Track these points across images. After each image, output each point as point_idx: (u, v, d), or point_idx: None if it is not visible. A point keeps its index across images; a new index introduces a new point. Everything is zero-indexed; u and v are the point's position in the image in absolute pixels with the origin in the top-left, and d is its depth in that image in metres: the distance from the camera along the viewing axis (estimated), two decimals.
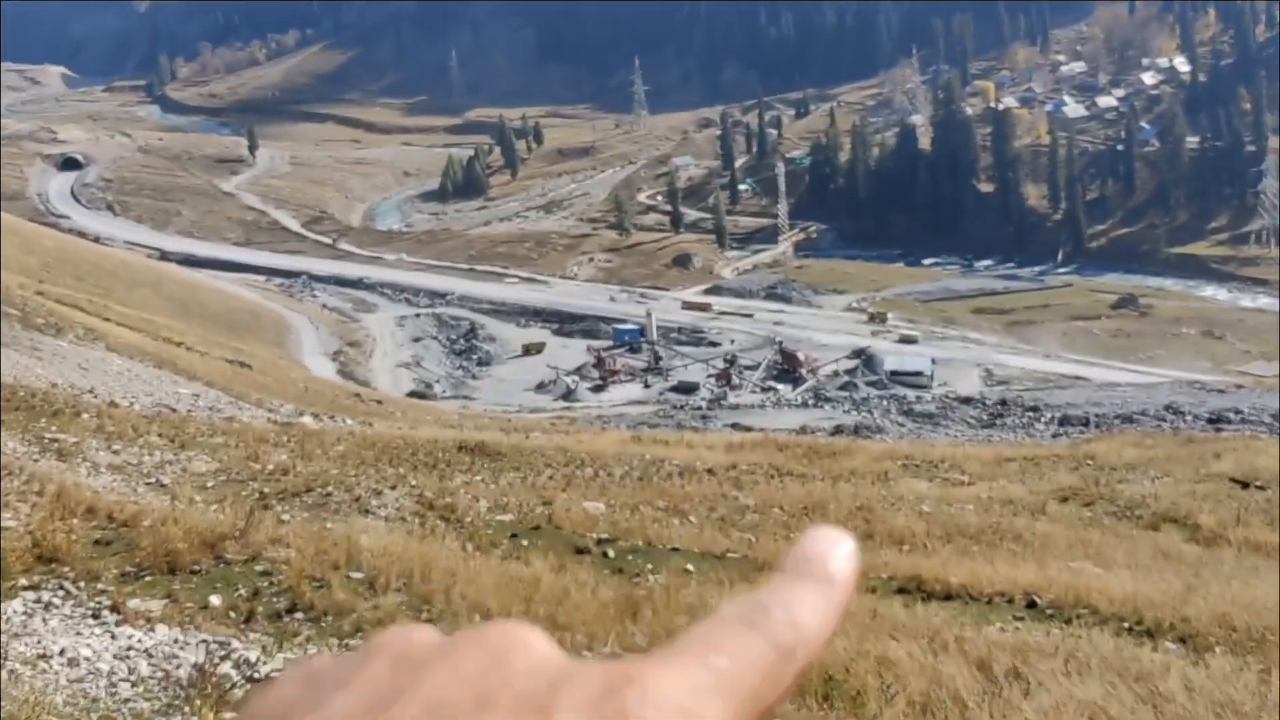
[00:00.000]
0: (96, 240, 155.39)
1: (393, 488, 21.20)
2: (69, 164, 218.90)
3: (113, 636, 10.14)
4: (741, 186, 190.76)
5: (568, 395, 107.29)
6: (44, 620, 10.33)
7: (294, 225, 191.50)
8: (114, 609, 10.79)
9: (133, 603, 11.09)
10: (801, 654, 0.58)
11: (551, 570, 13.84)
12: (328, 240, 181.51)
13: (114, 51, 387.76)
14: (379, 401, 71.72)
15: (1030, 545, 20.19)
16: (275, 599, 11.79)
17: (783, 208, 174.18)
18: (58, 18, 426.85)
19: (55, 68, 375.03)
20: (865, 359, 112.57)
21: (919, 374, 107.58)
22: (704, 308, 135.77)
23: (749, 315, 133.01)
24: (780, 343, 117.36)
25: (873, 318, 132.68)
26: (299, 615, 11.40)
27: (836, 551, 0.63)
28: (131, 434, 24.96)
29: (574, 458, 31.71)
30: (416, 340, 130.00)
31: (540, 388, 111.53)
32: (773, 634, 0.58)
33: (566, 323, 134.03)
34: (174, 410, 34.41)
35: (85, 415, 26.85)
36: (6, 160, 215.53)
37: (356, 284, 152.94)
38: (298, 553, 12.99)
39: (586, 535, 17.80)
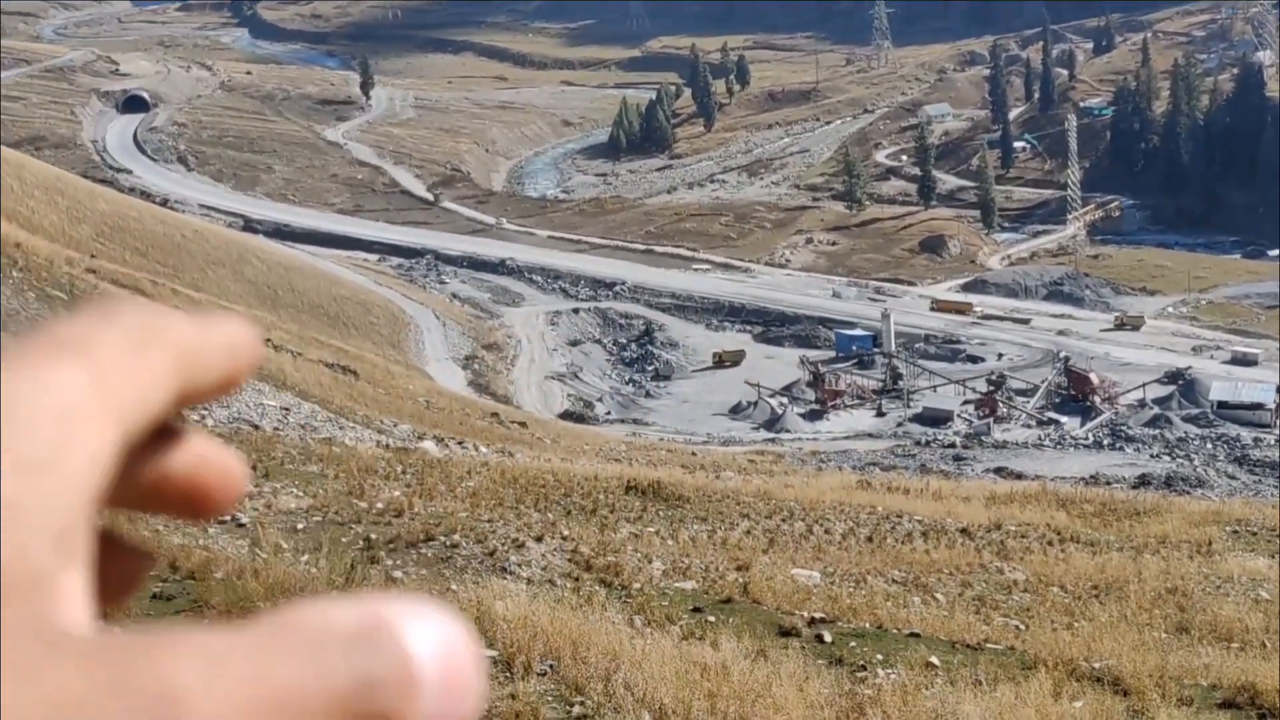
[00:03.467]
0: (164, 203, 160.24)
1: (539, 539, 21.43)
2: (133, 104, 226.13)
3: None
4: (1018, 145, 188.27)
5: (773, 423, 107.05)
6: None
7: (418, 188, 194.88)
8: None
9: None
10: (165, 327, 0.66)
11: (746, 657, 13.81)
12: (461, 208, 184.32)
13: None
14: (522, 424, 72.57)
15: None
16: None
17: (1074, 175, 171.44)
18: None
19: None
20: (1184, 385, 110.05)
21: (1258, 407, 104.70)
22: (962, 309, 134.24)
23: (1024, 321, 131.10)
24: (1066, 360, 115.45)
25: (1122, 324, 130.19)
26: None
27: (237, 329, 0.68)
28: None
29: (780, 507, 31.63)
30: (574, 344, 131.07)
31: (736, 411, 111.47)
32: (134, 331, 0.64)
33: (774, 325, 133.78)
34: (256, 427, 35.34)
35: None
36: (54, 98, 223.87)
37: (497, 268, 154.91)
38: None
39: (795, 612, 17.74)
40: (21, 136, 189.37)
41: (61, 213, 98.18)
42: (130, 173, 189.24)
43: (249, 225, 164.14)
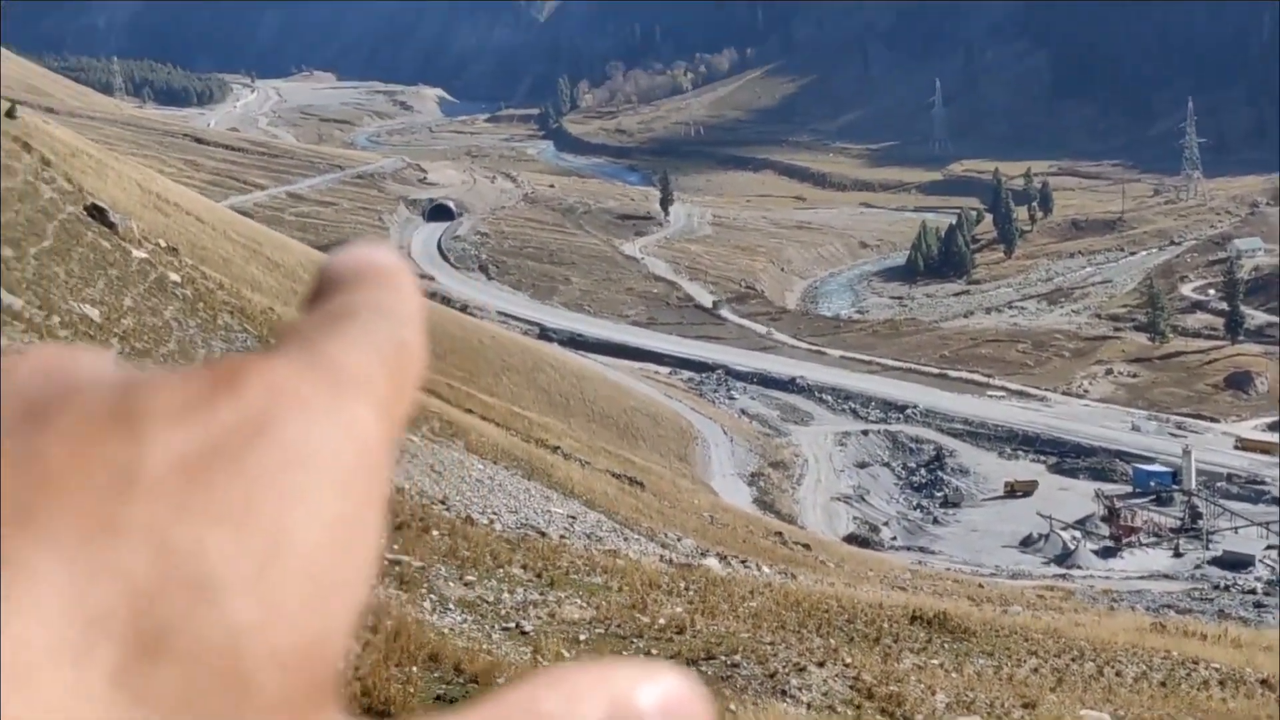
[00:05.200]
0: (464, 309, 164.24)
1: (820, 664, 21.27)
2: (438, 212, 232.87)
3: None
4: None
5: (1065, 558, 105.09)
6: None
7: (710, 303, 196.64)
8: None
9: None
10: (413, 344, 0.58)
11: None
12: (751, 324, 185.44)
13: (504, 72, 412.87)
14: (806, 545, 72.37)
15: None
16: None
17: None
18: (438, 30, 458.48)
19: (431, 90, 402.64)
20: None
21: None
22: (1268, 449, 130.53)
23: None
24: None
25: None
26: None
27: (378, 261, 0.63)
28: (489, 562, 26.11)
29: (1069, 645, 31.03)
30: (862, 466, 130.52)
31: (1027, 544, 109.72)
32: (374, 334, 0.57)
33: (1069, 456, 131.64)
34: (543, 534, 35.83)
35: (435, 533, 28.30)
36: (364, 204, 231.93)
37: (787, 385, 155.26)
38: None
39: None
40: (331, 239, 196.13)
41: None
42: (433, 279, 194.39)
43: (544, 333, 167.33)
